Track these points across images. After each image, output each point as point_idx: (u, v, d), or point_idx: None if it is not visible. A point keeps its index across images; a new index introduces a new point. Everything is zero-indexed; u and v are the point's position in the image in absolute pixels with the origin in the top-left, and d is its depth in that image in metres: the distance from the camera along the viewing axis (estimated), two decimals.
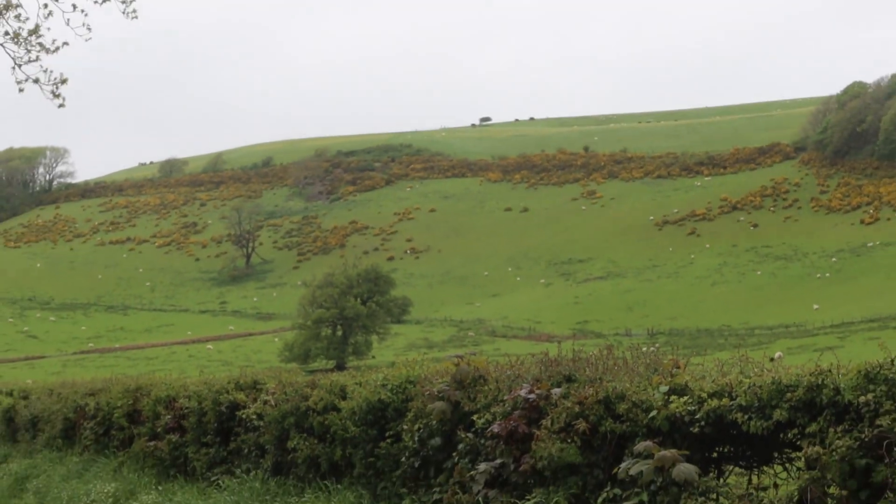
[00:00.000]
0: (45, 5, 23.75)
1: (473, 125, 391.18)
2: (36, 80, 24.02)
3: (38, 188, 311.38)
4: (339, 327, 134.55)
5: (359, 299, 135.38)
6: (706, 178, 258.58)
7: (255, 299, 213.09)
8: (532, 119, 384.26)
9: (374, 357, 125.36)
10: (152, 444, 22.29)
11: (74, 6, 23.65)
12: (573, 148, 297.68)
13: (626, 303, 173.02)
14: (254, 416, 18.31)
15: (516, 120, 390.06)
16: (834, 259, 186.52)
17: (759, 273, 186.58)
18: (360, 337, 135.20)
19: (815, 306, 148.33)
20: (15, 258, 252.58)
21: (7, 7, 23.54)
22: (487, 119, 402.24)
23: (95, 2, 23.71)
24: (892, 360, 9.51)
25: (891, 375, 9.36)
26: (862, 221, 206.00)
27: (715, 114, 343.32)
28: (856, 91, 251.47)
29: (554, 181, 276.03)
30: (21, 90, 24.48)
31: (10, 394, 36.18)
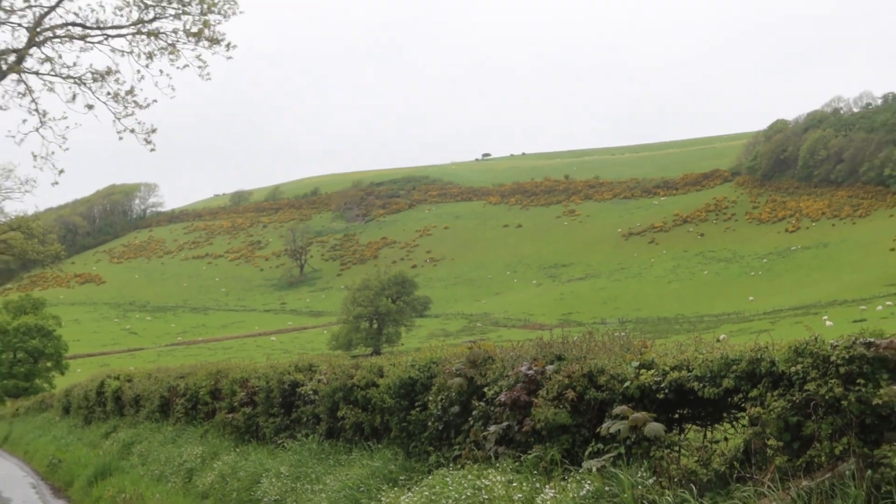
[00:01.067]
0: (139, 71, 23.84)
1: (477, 159, 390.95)
2: (132, 130, 24.06)
3: (134, 216, 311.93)
4: (374, 321, 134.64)
5: (389, 299, 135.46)
6: (662, 198, 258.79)
7: (307, 300, 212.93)
8: (524, 154, 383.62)
9: (402, 344, 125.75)
10: (230, 415, 22.36)
11: (161, 71, 23.75)
12: (556, 176, 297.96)
13: (600, 298, 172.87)
14: (310, 392, 18.37)
15: (511, 154, 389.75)
16: (765, 260, 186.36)
17: (705, 272, 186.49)
18: (391, 328, 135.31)
19: (751, 298, 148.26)
20: (118, 271, 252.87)
21: (108, 73, 23.62)
22: (488, 154, 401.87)
23: (178, 68, 23.82)
24: (816, 338, 9.55)
25: (815, 350, 9.39)
26: (786, 230, 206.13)
27: (668, 147, 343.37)
28: (779, 127, 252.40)
29: (542, 203, 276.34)
30: (121, 138, 24.52)
31: (118, 378, 36.24)
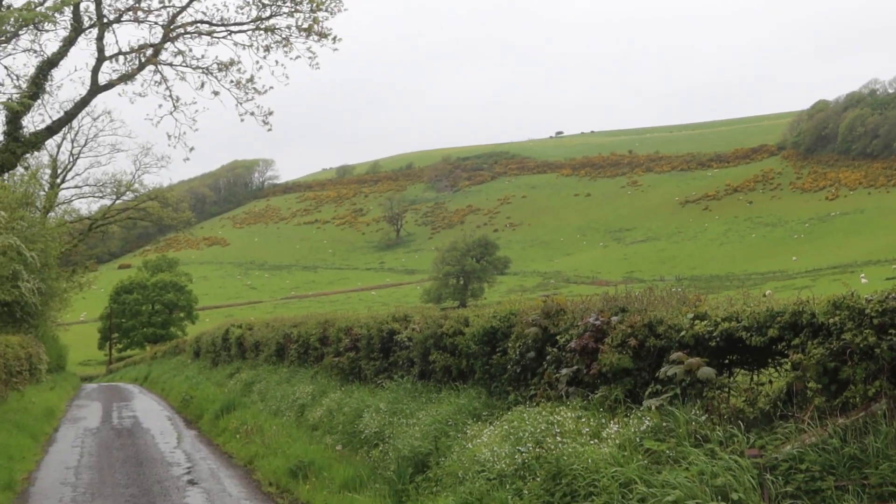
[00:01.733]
0: (257, 62, 24.10)
1: (551, 136, 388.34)
2: (252, 113, 24.33)
3: (254, 187, 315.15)
4: (460, 278, 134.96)
5: (474, 258, 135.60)
6: (715, 170, 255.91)
7: (403, 260, 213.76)
8: (592, 132, 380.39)
9: (485, 298, 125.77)
10: (336, 359, 22.52)
11: (277, 61, 23.91)
12: (621, 151, 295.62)
13: (659, 258, 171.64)
14: (405, 339, 18.45)
15: (581, 132, 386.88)
16: (806, 224, 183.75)
17: (753, 236, 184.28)
18: (475, 285, 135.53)
19: (794, 258, 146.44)
20: (240, 235, 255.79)
21: (231, 64, 23.85)
22: (561, 132, 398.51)
23: (291, 59, 23.93)
24: (852, 293, 9.42)
25: (851, 303, 9.26)
26: (826, 198, 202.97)
27: (720, 125, 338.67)
28: (821, 106, 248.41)
29: (608, 175, 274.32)
30: (242, 120, 24.80)
31: (240, 326, 36.68)
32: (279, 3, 23.48)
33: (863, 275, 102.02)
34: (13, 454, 19.75)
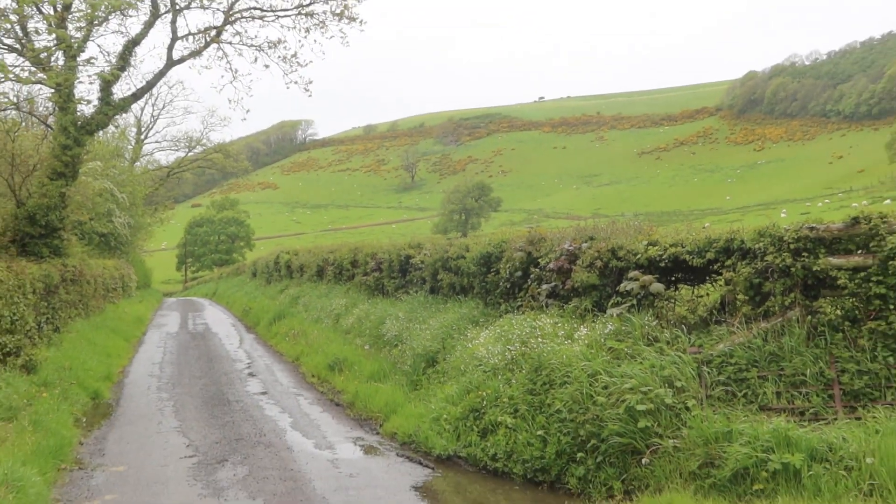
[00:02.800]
0: (300, 41, 23.99)
1: (534, 101, 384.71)
2: (296, 83, 24.10)
3: (297, 142, 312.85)
4: (462, 215, 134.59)
5: (473, 199, 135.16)
6: (665, 128, 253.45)
7: (416, 200, 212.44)
8: (568, 96, 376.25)
9: (482, 230, 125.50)
10: (364, 278, 22.58)
11: (315, 40, 23.77)
12: (590, 112, 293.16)
13: (620, 198, 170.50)
14: (419, 262, 18.49)
15: (560, 97, 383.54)
16: (738, 171, 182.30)
17: (695, 180, 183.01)
18: (474, 219, 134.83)
19: (728, 197, 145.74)
20: (287, 181, 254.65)
21: (279, 42, 23.63)
22: (542, 97, 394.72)
23: (327, 38, 23.73)
24: (773, 224, 9.45)
25: (773, 232, 9.28)
26: (754, 150, 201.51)
27: (670, 91, 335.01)
28: (751, 76, 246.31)
29: (580, 132, 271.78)
30: (287, 88, 24.76)
31: (288, 253, 36.72)
32: None
33: (784, 210, 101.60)
34: (111, 352, 19.96)
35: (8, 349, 13.86)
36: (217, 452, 11.04)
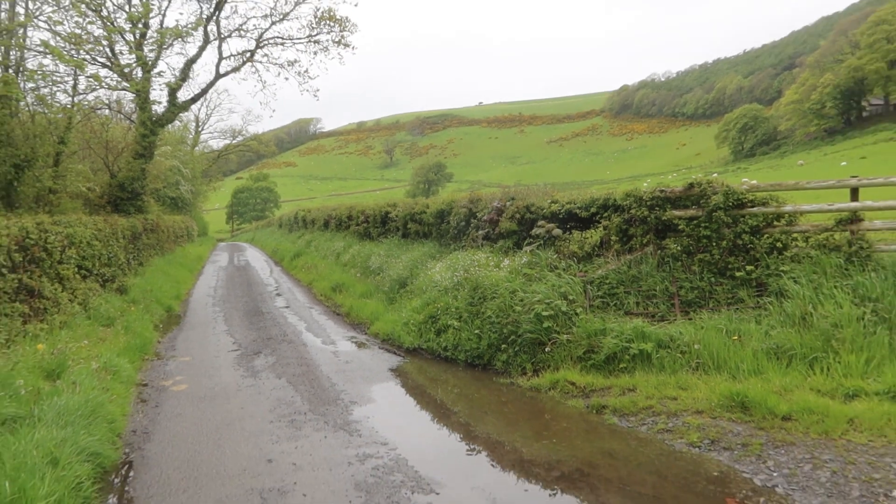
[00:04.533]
0: (310, 61, 23.65)
1: (476, 105, 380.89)
2: (307, 91, 23.69)
3: (310, 133, 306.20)
4: (426, 184, 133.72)
5: (433, 173, 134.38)
6: (566, 124, 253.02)
7: (394, 174, 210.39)
8: (500, 102, 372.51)
9: (439, 195, 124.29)
10: (357, 227, 22.38)
11: (321, 60, 23.15)
12: (515, 112, 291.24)
13: (535, 172, 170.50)
14: (394, 216, 18.36)
15: (495, 102, 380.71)
16: (615, 154, 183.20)
17: (585, 161, 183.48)
18: (434, 188, 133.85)
19: (608, 172, 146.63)
20: (304, 161, 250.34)
21: (295, 62, 23.18)
22: (481, 102, 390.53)
23: (329, 58, 23.24)
24: (638, 188, 9.48)
25: (636, 194, 9.32)
26: (626, 139, 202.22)
27: (571, 98, 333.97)
28: (624, 88, 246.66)
29: (507, 126, 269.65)
30: (301, 94, 24.14)
31: (303, 210, 36.33)
32: (321, 27, 22.73)
33: (647, 181, 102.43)
34: (179, 280, 19.70)
35: (107, 277, 13.64)
36: (254, 347, 10.99)
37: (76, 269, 11.47)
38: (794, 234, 8.45)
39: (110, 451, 6.03)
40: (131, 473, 5.83)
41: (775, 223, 8.50)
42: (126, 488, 5.53)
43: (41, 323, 9.16)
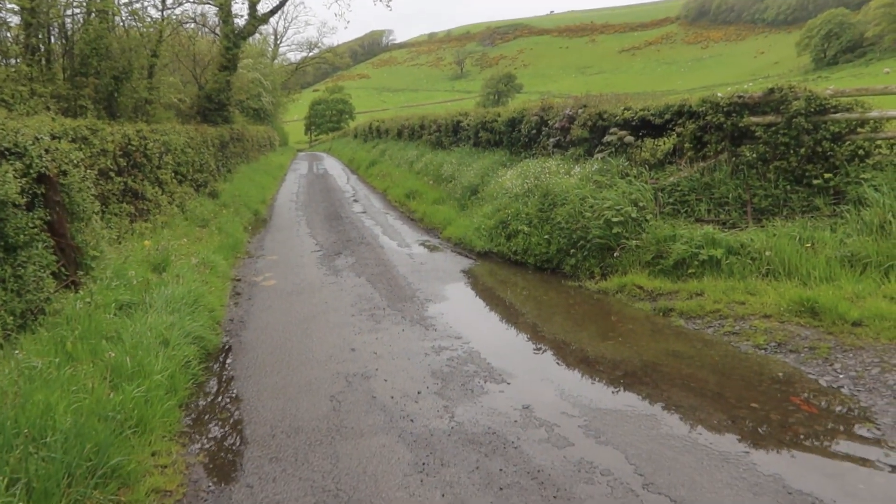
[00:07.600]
0: None
1: (546, 14, 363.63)
2: (380, 0, 23.04)
3: (383, 45, 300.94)
4: (496, 95, 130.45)
5: (502, 83, 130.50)
6: (639, 32, 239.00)
7: (464, 85, 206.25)
8: (572, 11, 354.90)
9: (510, 105, 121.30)
10: (429, 136, 22.19)
11: None
12: (587, 21, 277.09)
13: (606, 83, 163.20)
14: (466, 125, 18.10)
15: (567, 11, 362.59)
16: (689, 63, 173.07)
17: (658, 70, 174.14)
18: (504, 99, 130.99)
19: (680, 82, 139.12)
20: (377, 73, 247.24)
21: None
22: (552, 11, 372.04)
23: None
24: (714, 94, 9.01)
25: (712, 100, 8.86)
26: (701, 48, 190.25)
27: (645, 6, 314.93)
28: None
29: (578, 35, 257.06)
30: (374, 5, 23.61)
31: (378, 121, 36.24)
32: None
33: (719, 92, 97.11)
34: (264, 186, 20.24)
35: (200, 182, 14.15)
36: (334, 248, 11.31)
37: (173, 175, 11.93)
38: (879, 141, 7.88)
39: (212, 336, 6.45)
40: (230, 357, 6.24)
41: (859, 129, 7.93)
42: (226, 369, 5.93)
43: (145, 223, 9.68)
